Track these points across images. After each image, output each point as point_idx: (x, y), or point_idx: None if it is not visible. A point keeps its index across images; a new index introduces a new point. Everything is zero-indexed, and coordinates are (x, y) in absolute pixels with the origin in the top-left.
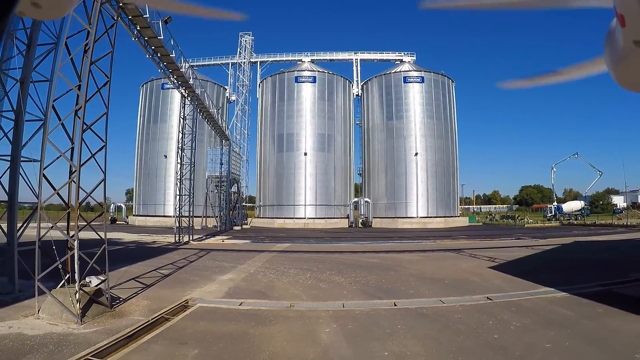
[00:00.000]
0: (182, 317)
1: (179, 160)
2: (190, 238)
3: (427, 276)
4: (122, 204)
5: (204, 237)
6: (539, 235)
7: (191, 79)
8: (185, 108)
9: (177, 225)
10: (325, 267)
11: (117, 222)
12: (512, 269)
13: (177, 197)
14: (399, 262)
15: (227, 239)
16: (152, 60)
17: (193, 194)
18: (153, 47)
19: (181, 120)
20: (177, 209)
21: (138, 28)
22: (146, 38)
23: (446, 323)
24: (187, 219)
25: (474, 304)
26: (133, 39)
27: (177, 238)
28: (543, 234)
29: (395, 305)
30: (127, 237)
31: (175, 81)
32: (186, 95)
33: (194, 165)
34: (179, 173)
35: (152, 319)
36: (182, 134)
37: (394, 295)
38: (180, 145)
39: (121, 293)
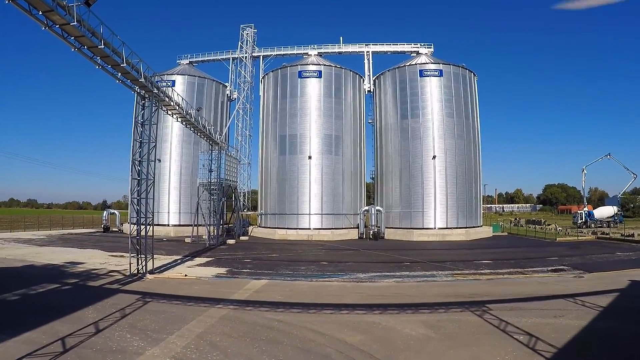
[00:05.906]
0: None
1: (135, 176)
2: (146, 269)
3: None
4: (115, 211)
5: (171, 264)
6: (579, 262)
7: (142, 77)
8: (145, 110)
9: (135, 254)
10: None
11: (112, 230)
12: None
13: (132, 221)
14: (390, 347)
15: (198, 266)
16: (79, 53)
17: (152, 214)
18: (74, 37)
19: (138, 126)
20: (132, 237)
21: (40, 12)
22: (58, 25)
23: None
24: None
25: None
26: (43, 28)
27: (132, 269)
28: (582, 257)
29: None
30: (94, 259)
31: (124, 79)
32: (146, 96)
33: (154, 180)
34: (130, 192)
35: None
36: (139, 142)
37: None
38: (135, 157)
39: None
